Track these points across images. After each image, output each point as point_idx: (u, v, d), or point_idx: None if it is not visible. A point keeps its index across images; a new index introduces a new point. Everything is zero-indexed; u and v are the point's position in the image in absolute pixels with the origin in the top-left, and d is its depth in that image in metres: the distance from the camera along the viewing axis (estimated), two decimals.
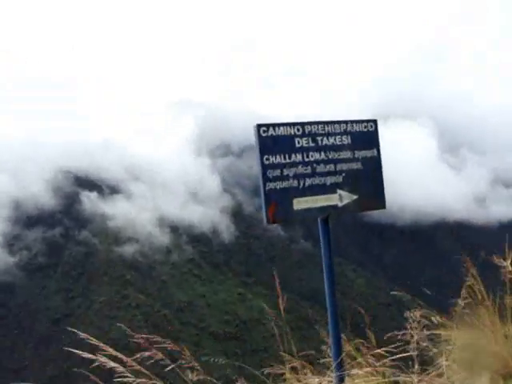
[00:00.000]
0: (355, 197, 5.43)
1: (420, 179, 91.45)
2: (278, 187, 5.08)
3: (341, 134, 5.45)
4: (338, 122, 5.47)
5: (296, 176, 5.18)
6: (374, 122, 5.67)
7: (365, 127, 5.59)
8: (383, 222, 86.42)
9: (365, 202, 5.51)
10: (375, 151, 5.61)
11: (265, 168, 5.07)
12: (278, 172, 5.10)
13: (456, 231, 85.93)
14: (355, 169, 5.46)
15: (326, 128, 5.38)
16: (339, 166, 5.38)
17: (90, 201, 77.51)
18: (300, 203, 5.16)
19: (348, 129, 5.49)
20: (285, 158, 5.15)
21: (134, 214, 76.54)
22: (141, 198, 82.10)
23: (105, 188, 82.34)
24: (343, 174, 5.39)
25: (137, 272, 66.44)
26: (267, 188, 5.06)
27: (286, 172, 5.14)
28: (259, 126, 5.11)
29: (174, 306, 61.97)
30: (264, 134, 5.11)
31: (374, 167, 5.58)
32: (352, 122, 5.54)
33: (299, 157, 5.21)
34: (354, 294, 69.89)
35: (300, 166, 5.21)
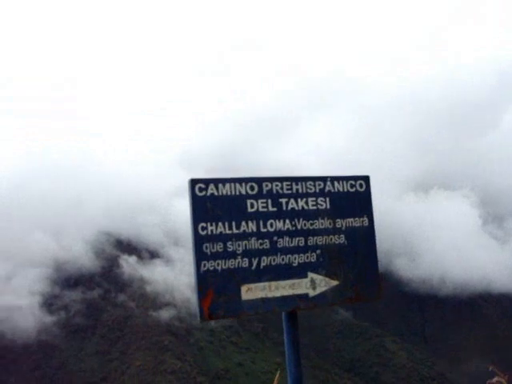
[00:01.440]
0: (335, 283, 3.85)
1: (462, 250, 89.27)
2: (218, 268, 3.57)
3: (315, 195, 3.92)
4: (312, 179, 3.95)
5: (247, 253, 3.68)
6: (365, 179, 4.12)
7: (351, 186, 4.06)
8: (424, 292, 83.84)
9: (350, 291, 3.93)
10: (366, 220, 4.05)
11: (199, 240, 3.58)
12: (219, 246, 3.61)
13: (500, 303, 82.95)
14: (336, 244, 3.92)
15: (294, 186, 3.88)
16: (312, 240, 3.85)
17: (128, 264, 77.61)
18: (252, 292, 3.65)
19: (326, 188, 3.97)
20: (231, 228, 3.67)
21: (172, 279, 76.12)
22: (179, 262, 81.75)
23: (144, 252, 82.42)
24: (318, 251, 3.84)
25: (174, 337, 65.20)
26: (202, 269, 3.56)
27: (231, 247, 3.64)
28: (194, 181, 3.64)
29: (210, 373, 60.30)
30: (201, 194, 3.64)
31: (363, 242, 4.01)
32: (333, 178, 4.00)
33: (252, 226, 3.71)
34: (395, 367, 67.37)
35: (253, 239, 3.69)
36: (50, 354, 64.74)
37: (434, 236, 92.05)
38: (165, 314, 67.84)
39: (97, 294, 74.48)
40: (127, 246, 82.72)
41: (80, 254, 79.92)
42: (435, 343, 78.80)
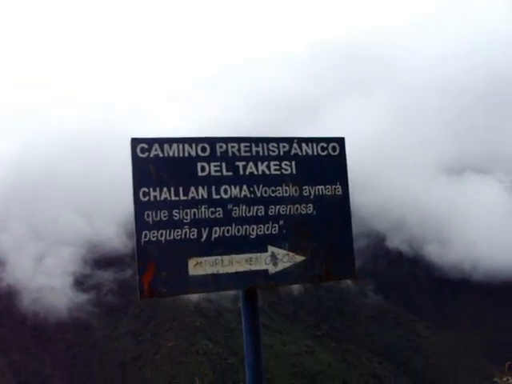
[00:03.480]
0: (301, 259, 3.39)
1: (494, 235, 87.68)
2: (161, 239, 3.14)
3: (279, 158, 3.45)
4: (276, 140, 3.47)
5: (196, 222, 3.23)
6: (339, 141, 3.63)
7: (322, 149, 3.57)
8: (456, 277, 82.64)
9: (319, 269, 3.45)
10: (339, 188, 3.56)
11: (141, 207, 3.15)
12: (163, 215, 3.17)
13: None
14: (303, 214, 3.45)
15: (254, 148, 3.41)
16: (274, 209, 3.38)
17: None
18: (201, 267, 3.21)
19: (292, 151, 3.49)
20: (177, 194, 3.23)
21: None
22: None
23: None
24: (280, 222, 3.38)
25: (205, 318, 65.24)
26: (143, 240, 3.12)
27: (177, 215, 3.20)
28: (135, 141, 3.21)
29: (241, 354, 59.93)
30: (143, 155, 3.21)
31: (335, 212, 3.53)
32: (300, 140, 3.52)
33: (203, 192, 3.26)
34: (427, 352, 66.57)
35: (204, 207, 3.24)
36: (83, 334, 65.47)
37: (466, 221, 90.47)
38: (194, 295, 68.04)
39: (128, 274, 74.90)
40: None
41: (112, 235, 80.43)
42: (467, 329, 77.80)
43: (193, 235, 3.18)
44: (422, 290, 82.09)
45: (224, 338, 61.39)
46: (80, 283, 71.71)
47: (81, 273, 73.63)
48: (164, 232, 3.13)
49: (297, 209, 3.41)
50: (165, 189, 3.17)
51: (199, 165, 3.26)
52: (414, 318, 72.57)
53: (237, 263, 3.24)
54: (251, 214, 3.30)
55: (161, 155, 3.19)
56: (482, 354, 67.59)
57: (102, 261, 76.04)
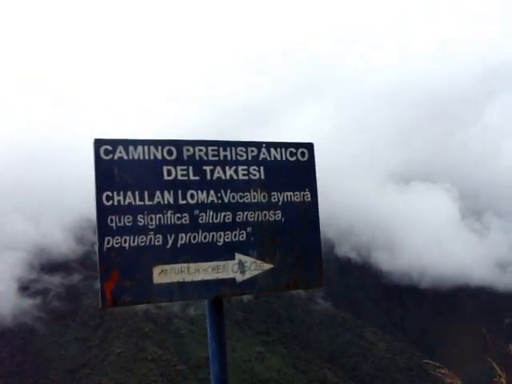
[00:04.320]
0: (269, 267, 3.29)
1: (441, 243, 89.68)
2: (125, 245, 3.01)
3: (247, 163, 3.35)
4: (244, 144, 3.38)
5: (161, 228, 3.11)
6: (309, 146, 3.56)
7: (291, 155, 3.49)
8: (404, 284, 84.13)
9: (287, 277, 3.37)
10: (308, 194, 3.48)
11: (104, 212, 3.01)
12: (127, 220, 3.05)
13: (478, 296, 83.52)
14: (271, 221, 3.36)
15: (222, 152, 3.30)
16: (242, 216, 3.29)
17: None
18: (166, 274, 3.09)
19: (261, 156, 3.40)
20: (142, 198, 3.10)
21: None
22: None
23: None
24: (248, 229, 3.29)
25: (154, 325, 64.85)
26: (106, 246, 2.99)
27: (142, 221, 3.08)
28: (99, 142, 3.06)
29: (191, 361, 59.97)
30: (107, 157, 3.07)
31: (304, 219, 3.45)
32: (269, 144, 3.44)
33: (169, 197, 3.14)
34: (374, 358, 67.70)
35: (170, 213, 3.12)
36: (28, 340, 64.31)
37: (413, 229, 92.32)
38: None
39: (76, 279, 74.00)
40: None
41: (60, 240, 79.28)
42: (414, 335, 79.36)
43: (158, 242, 3.07)
44: (370, 296, 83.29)
45: (173, 345, 61.05)
46: (26, 288, 70.40)
47: (26, 278, 72.33)
48: (128, 238, 3.01)
49: (265, 215, 3.33)
50: (129, 193, 3.04)
51: (165, 168, 3.15)
52: (362, 324, 73.65)
53: (203, 271, 3.14)
54: (218, 220, 3.21)
55: (125, 157, 3.07)
56: (430, 359, 68.92)
57: (49, 266, 74.79)
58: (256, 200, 3.31)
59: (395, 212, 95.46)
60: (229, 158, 3.29)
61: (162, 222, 3.09)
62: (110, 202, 3.01)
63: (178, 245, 3.11)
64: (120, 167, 3.05)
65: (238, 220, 3.25)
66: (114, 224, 3.00)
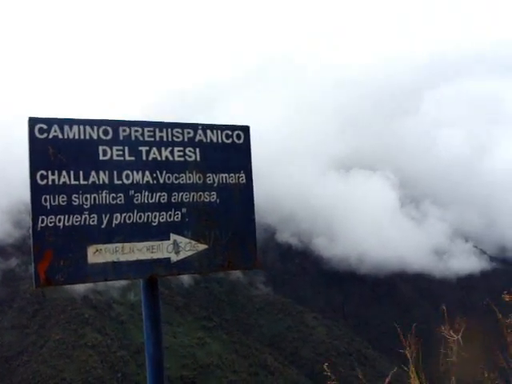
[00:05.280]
0: (203, 248, 3.33)
1: (380, 230, 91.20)
2: (59, 225, 3.00)
3: (183, 144, 3.38)
4: (181, 126, 3.40)
5: (96, 208, 3.11)
6: (245, 129, 3.60)
7: (227, 137, 3.53)
8: (343, 270, 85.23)
9: (221, 258, 3.42)
10: (243, 176, 3.53)
11: (38, 191, 2.99)
12: (62, 199, 3.03)
13: (416, 282, 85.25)
14: (206, 202, 3.40)
15: (158, 133, 3.32)
16: (177, 197, 3.32)
17: None
18: (101, 254, 3.09)
19: (197, 137, 3.43)
20: (77, 178, 3.09)
21: None
22: None
23: None
24: (183, 210, 3.32)
25: (94, 311, 64.00)
26: (40, 226, 2.97)
27: (77, 200, 3.07)
28: (33, 120, 3.04)
29: (131, 347, 59.42)
30: (41, 136, 3.05)
31: (239, 201, 3.50)
32: (205, 126, 3.46)
33: (104, 177, 3.14)
34: (314, 343, 68.38)
35: (105, 193, 3.12)
36: None
37: (353, 215, 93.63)
38: (81, 287, 66.35)
39: (13, 264, 72.35)
40: None
41: None
42: (354, 320, 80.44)
43: (93, 221, 3.07)
44: (310, 282, 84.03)
45: (114, 331, 60.50)
46: None
47: None
48: (62, 218, 3.00)
49: (200, 196, 3.36)
50: (64, 172, 3.04)
51: (101, 148, 3.15)
52: (302, 310, 74.28)
53: (138, 251, 3.16)
54: (154, 200, 3.23)
55: (60, 137, 3.05)
56: (371, 344, 70.12)
57: None
58: (191, 181, 3.35)
59: (336, 199, 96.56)
60: (165, 139, 3.31)
61: (97, 202, 3.10)
62: (45, 181, 3.00)
63: (113, 225, 3.12)
64: (55, 146, 3.04)
65: (173, 201, 3.28)
66: (48, 203, 2.99)
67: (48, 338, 58.09)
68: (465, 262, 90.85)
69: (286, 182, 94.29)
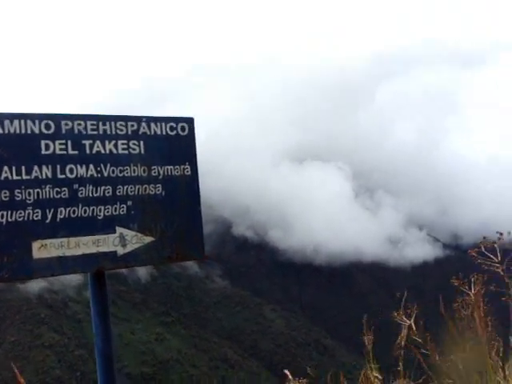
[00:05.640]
0: (150, 240, 3.34)
1: (335, 220, 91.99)
2: (2, 221, 2.98)
3: (127, 137, 3.38)
4: (124, 119, 3.40)
5: (40, 203, 3.09)
6: (189, 121, 3.62)
7: (171, 129, 3.54)
8: (299, 261, 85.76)
9: (169, 250, 3.43)
10: (188, 168, 3.55)
11: None
12: (4, 195, 3.01)
13: (371, 272, 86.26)
14: (151, 194, 3.40)
15: (101, 127, 3.31)
16: (122, 190, 3.31)
17: None
18: (46, 249, 3.07)
19: (141, 130, 3.43)
20: (19, 173, 3.06)
21: None
22: None
23: None
24: (129, 203, 3.32)
25: (50, 310, 63.10)
26: None
27: (20, 196, 3.04)
28: None
29: (89, 346, 58.79)
30: None
31: (185, 193, 3.52)
32: (149, 119, 3.47)
33: (47, 171, 3.12)
34: (273, 335, 68.72)
35: (48, 187, 3.10)
36: None
37: (308, 207, 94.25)
38: (35, 286, 65.33)
39: None
40: None
41: None
42: (311, 310, 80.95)
43: (36, 216, 3.05)
44: (267, 274, 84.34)
45: (71, 330, 59.80)
46: None
47: None
48: (5, 213, 2.98)
49: (145, 189, 3.37)
50: (5, 168, 3.01)
51: (43, 143, 3.12)
52: (260, 302, 74.54)
53: (84, 245, 3.15)
54: (98, 194, 3.22)
55: (1, 131, 3.03)
56: (329, 333, 70.78)
57: None
58: (136, 174, 3.35)
59: (290, 191, 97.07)
60: (108, 132, 3.31)
61: (41, 197, 3.07)
62: None
63: (58, 219, 3.10)
64: None
65: (118, 194, 3.28)
66: None
67: (3, 339, 57.15)
68: (419, 250, 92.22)
69: (241, 175, 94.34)
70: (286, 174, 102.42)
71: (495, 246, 3.54)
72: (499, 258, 3.51)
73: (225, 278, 79.25)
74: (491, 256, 3.52)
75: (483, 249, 3.55)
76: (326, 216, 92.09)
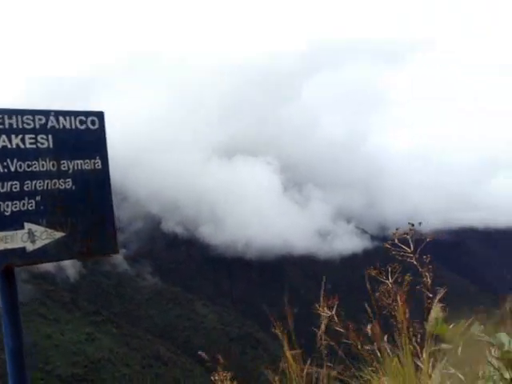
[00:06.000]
0: (60, 235, 3.30)
1: (265, 215, 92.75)
2: None
3: (35, 131, 3.32)
4: (31, 112, 3.34)
5: None
6: (99, 115, 3.59)
7: (81, 123, 3.50)
8: (230, 256, 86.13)
9: (80, 245, 3.39)
10: (99, 162, 3.52)
11: None
12: None
13: (302, 265, 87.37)
14: (61, 189, 3.35)
15: (7, 120, 3.24)
16: (30, 185, 3.24)
17: None
18: None
19: (49, 124, 3.37)
20: None
21: None
22: None
23: None
24: (37, 198, 3.26)
25: None
26: None
27: None
28: None
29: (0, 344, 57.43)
30: None
31: (96, 187, 3.49)
32: (57, 112, 3.42)
33: None
34: (205, 330, 68.85)
35: None
36: None
37: (238, 201, 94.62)
38: None
39: None
40: None
41: None
42: (243, 305, 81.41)
43: None
44: (198, 269, 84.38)
45: None
46: None
47: None
48: None
49: (55, 184, 3.32)
50: None
51: None
52: (192, 298, 74.52)
53: None
54: (5, 189, 3.16)
55: None
56: (261, 327, 71.28)
57: None
58: (45, 169, 3.29)
59: (219, 186, 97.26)
60: (15, 126, 3.24)
61: None
62: None
63: None
64: None
65: (26, 189, 3.22)
66: None
67: None
68: (348, 242, 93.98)
69: (169, 171, 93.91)
70: (216, 168, 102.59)
71: (407, 236, 3.65)
72: (412, 249, 3.62)
73: (155, 275, 78.82)
74: (404, 247, 3.63)
75: (396, 240, 3.63)
76: (256, 210, 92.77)
